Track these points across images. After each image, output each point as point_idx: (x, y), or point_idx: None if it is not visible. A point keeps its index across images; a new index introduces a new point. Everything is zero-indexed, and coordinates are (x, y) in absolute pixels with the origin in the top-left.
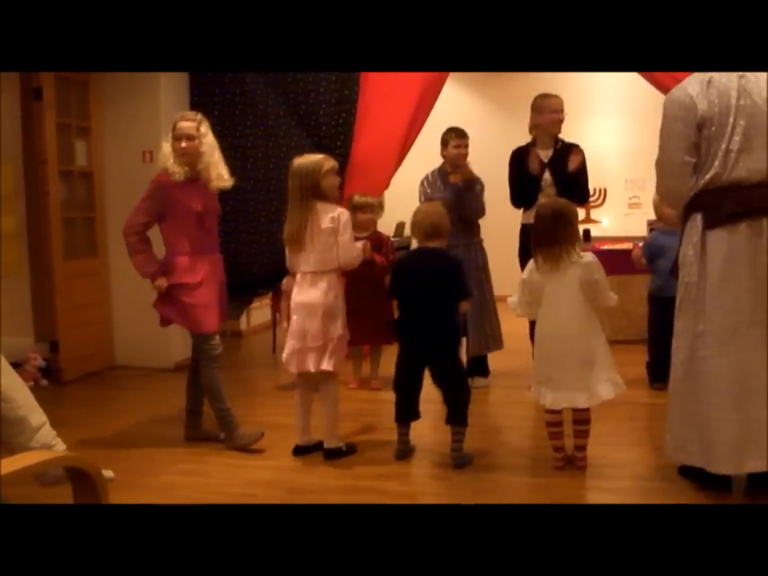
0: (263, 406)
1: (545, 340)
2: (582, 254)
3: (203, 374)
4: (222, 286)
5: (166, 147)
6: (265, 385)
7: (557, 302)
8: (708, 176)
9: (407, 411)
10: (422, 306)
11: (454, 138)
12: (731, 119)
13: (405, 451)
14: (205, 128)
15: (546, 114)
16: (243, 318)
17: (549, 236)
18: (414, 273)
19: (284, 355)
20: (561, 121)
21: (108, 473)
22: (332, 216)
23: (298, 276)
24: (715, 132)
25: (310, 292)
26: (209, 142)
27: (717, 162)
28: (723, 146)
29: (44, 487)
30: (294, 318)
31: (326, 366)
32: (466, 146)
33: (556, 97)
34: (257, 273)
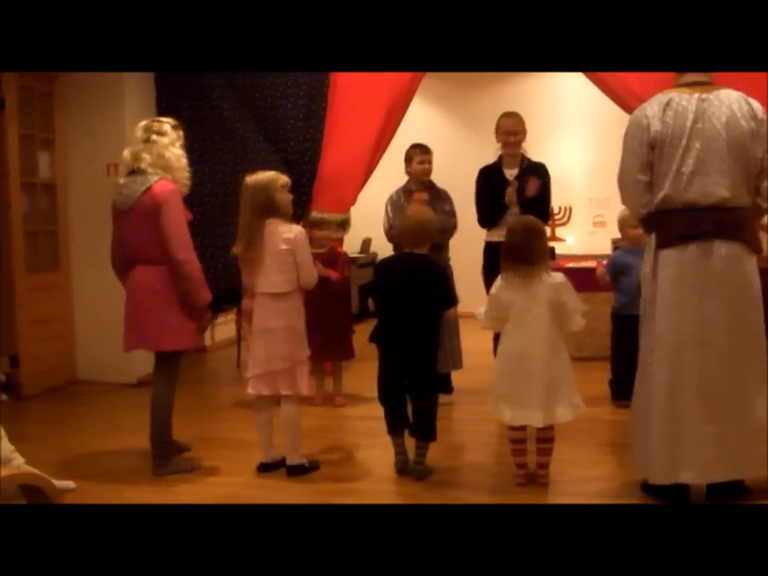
0: (227, 422)
1: (508, 356)
2: (552, 273)
3: (166, 394)
4: None
5: (184, 157)
6: (229, 401)
7: (524, 320)
8: (660, 195)
9: (397, 420)
10: (405, 313)
11: (418, 153)
12: (684, 141)
13: (404, 461)
14: None
15: (500, 134)
16: (207, 334)
17: (522, 252)
18: (398, 279)
19: (249, 377)
20: (513, 143)
21: (68, 483)
22: (288, 237)
23: (257, 297)
24: (666, 153)
25: (272, 316)
26: None
27: (668, 183)
28: (674, 167)
29: None
30: (257, 341)
31: (304, 390)
32: (430, 162)
33: (511, 117)
34: (222, 288)
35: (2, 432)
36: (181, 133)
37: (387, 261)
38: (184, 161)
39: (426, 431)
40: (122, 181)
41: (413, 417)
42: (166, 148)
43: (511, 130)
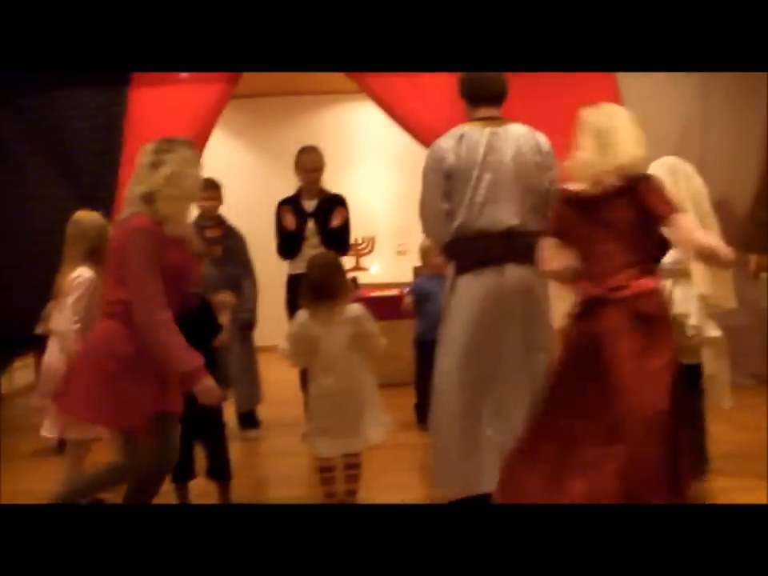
0: (28, 473)
1: (321, 390)
2: (350, 306)
3: None
4: None
5: None
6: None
7: (331, 355)
8: (456, 224)
9: (185, 469)
10: None
11: (204, 189)
12: (476, 173)
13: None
14: None
15: (300, 171)
16: (4, 379)
17: (322, 288)
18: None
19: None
20: (311, 180)
21: None
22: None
23: None
24: (461, 184)
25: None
26: None
27: (463, 212)
28: (468, 197)
29: None
30: None
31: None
32: (217, 198)
33: (310, 153)
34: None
35: None
36: None
37: None
38: None
39: (222, 471)
40: None
41: (207, 460)
42: None
43: (311, 167)
